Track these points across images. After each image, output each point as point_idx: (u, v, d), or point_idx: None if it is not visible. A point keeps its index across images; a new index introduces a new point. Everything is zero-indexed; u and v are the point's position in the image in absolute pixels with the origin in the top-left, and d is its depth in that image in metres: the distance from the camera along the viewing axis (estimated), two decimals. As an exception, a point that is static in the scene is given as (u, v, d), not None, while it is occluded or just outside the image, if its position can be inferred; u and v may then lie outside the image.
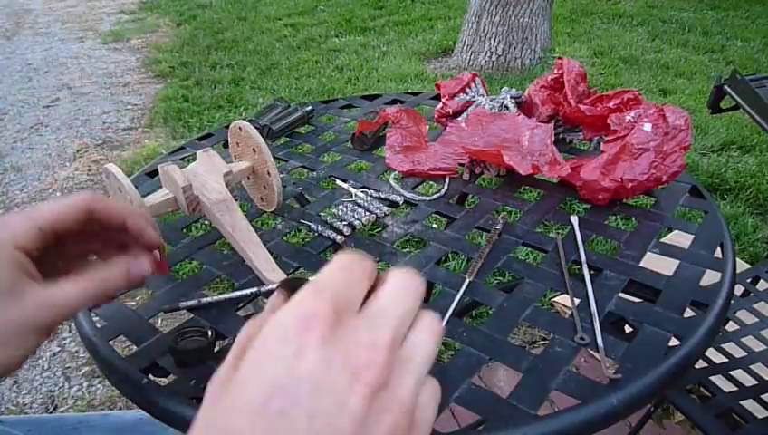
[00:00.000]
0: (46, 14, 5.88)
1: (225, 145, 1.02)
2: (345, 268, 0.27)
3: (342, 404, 0.22)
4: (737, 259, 1.09)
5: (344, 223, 0.78)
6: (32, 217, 0.41)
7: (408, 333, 0.26)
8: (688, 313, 0.60)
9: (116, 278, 0.44)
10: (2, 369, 0.38)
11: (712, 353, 1.04)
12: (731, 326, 1.10)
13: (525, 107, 1.02)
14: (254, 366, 0.23)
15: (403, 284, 0.27)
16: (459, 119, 1.00)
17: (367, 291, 0.27)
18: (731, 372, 0.99)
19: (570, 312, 0.61)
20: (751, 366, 1.00)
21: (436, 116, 1.05)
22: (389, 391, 0.23)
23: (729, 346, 1.05)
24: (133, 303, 1.60)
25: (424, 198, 0.86)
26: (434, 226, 0.82)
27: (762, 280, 1.19)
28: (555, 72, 1.01)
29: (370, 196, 0.86)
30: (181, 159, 1.03)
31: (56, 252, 0.44)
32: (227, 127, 0.84)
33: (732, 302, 0.79)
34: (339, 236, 0.77)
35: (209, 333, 0.59)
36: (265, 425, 0.21)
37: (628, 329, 0.80)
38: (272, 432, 0.21)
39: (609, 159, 0.80)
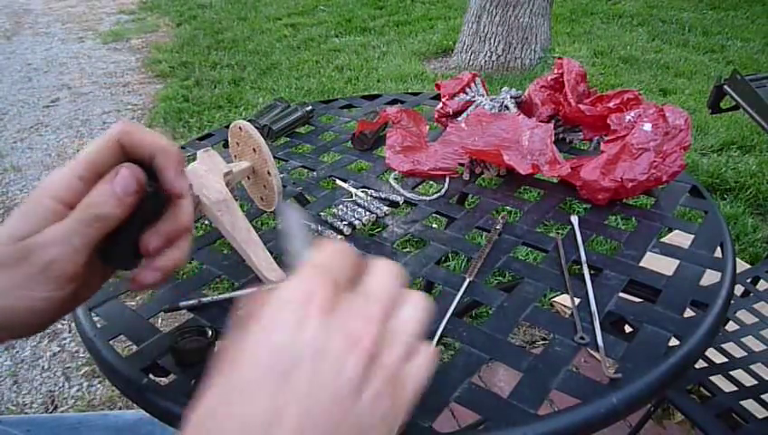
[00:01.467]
0: (46, 14, 5.87)
1: (225, 145, 1.02)
2: (340, 252, 0.30)
3: (340, 367, 0.25)
4: (737, 259, 1.09)
5: (344, 223, 0.78)
6: (71, 168, 0.39)
7: (397, 309, 0.29)
8: (688, 312, 0.60)
9: (102, 199, 0.38)
10: (27, 313, 0.37)
11: (712, 353, 1.04)
12: (731, 326, 1.10)
13: (525, 107, 1.02)
14: (261, 333, 0.26)
15: (386, 269, 0.30)
16: (459, 119, 1.00)
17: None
18: (731, 372, 0.99)
19: (570, 311, 0.61)
20: (751, 366, 1.00)
21: (436, 116, 1.05)
22: (380, 359, 0.26)
23: (729, 346, 1.05)
24: (133, 303, 1.60)
25: (424, 198, 0.86)
26: (434, 226, 0.82)
27: (762, 280, 1.19)
28: (555, 72, 1.01)
29: (370, 196, 0.86)
30: (181, 159, 1.03)
31: None
32: (227, 127, 0.84)
33: (732, 302, 0.79)
34: (339, 236, 0.77)
35: (209, 332, 0.59)
36: (271, 384, 0.24)
37: (628, 329, 0.80)
38: (277, 390, 0.24)
39: (609, 159, 0.80)
